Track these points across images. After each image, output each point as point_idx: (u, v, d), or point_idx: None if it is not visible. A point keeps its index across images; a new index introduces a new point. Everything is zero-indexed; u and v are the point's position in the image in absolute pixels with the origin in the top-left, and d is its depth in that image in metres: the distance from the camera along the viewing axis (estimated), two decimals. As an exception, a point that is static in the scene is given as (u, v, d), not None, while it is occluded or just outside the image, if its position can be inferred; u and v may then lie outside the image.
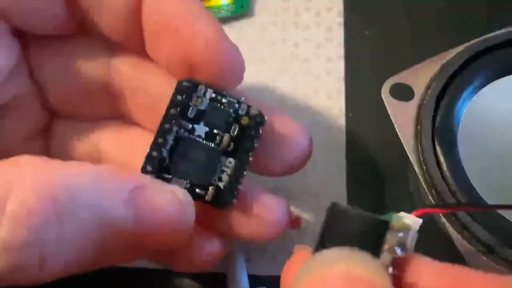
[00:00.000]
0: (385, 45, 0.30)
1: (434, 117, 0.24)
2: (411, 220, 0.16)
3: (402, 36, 0.30)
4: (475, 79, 0.25)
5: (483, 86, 0.25)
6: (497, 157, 0.24)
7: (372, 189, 0.27)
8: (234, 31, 0.31)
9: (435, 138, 0.23)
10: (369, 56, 0.30)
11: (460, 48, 0.25)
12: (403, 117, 0.24)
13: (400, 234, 0.16)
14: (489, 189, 0.23)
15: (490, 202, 0.23)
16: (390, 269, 0.15)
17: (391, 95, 0.24)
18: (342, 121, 0.28)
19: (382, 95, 0.24)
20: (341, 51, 0.30)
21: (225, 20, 0.31)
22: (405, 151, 0.24)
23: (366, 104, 0.28)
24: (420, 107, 0.24)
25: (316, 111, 0.29)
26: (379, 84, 0.24)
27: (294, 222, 0.24)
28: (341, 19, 0.30)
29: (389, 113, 0.24)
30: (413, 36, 0.30)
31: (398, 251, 0.16)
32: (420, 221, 0.16)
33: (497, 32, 0.25)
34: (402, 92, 0.25)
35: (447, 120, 0.24)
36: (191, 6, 0.20)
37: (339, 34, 0.30)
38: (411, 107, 0.24)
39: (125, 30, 0.20)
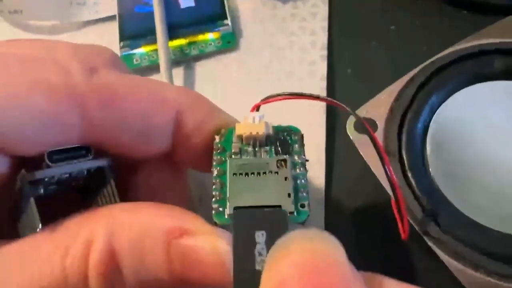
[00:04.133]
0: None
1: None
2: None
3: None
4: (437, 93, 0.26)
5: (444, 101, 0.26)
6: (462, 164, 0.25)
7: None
8: (221, 65, 0.31)
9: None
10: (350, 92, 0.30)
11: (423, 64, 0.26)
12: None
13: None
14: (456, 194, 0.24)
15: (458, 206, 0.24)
16: None
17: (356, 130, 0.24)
18: (322, 167, 0.28)
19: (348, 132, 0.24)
20: (323, 84, 0.30)
21: (212, 54, 0.32)
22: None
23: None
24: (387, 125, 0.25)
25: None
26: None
27: None
28: (324, 52, 0.31)
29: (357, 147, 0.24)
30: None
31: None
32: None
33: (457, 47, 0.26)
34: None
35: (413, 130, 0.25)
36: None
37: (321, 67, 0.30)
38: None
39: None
